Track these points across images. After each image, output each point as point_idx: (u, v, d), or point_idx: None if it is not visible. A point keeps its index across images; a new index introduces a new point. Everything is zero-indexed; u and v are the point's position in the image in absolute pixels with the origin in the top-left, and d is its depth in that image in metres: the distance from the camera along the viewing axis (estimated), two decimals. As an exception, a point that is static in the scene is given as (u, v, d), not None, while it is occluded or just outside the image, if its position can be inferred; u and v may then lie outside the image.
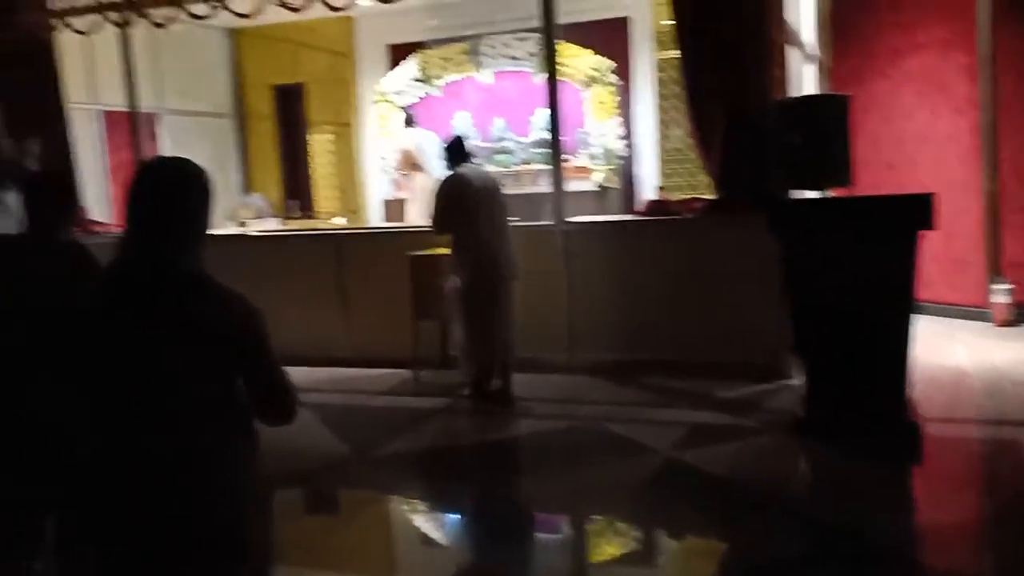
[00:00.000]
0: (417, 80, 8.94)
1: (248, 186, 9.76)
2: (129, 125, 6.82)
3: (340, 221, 8.77)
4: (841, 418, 3.90)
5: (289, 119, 9.82)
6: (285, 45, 9.27)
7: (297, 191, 9.75)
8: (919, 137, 6.66)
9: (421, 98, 8.99)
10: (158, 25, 6.25)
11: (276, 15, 5.95)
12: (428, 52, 8.90)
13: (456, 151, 5.00)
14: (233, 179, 9.65)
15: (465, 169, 4.94)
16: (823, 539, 3.10)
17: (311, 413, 4.92)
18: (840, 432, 3.90)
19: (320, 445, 4.38)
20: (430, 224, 4.95)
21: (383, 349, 5.76)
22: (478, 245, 4.80)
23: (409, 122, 8.53)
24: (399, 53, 9.10)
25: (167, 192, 1.76)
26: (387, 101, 9.02)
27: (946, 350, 5.55)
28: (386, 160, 9.06)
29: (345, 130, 9.56)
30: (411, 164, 8.18)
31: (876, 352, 3.78)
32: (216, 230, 6.94)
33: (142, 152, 6.86)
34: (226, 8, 5.97)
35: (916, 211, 3.70)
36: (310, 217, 9.42)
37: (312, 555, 3.30)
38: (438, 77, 8.92)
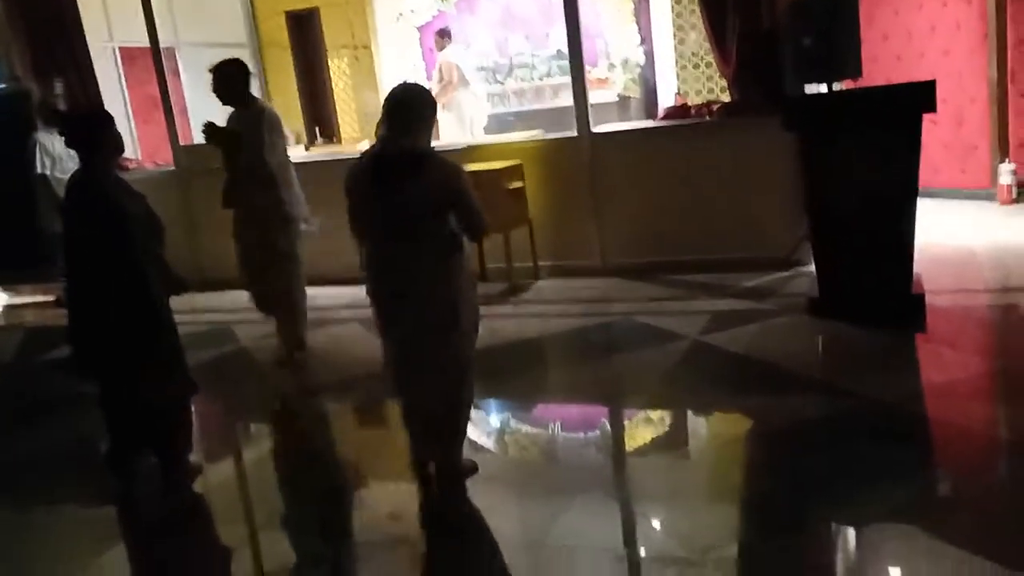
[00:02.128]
0: (431, -3, 9.00)
1: (270, 116, 9.94)
2: (153, 61, 6.90)
3: (365, 146, 8.98)
4: (851, 295, 4.28)
5: (305, 45, 9.91)
6: (296, -31, 9.31)
7: (318, 118, 9.93)
8: (928, 27, 6.77)
9: (435, 16, 9.07)
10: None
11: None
12: (443, -33, 8.93)
13: (241, 81, 4.52)
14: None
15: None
16: (834, 402, 3.51)
17: (361, 327, 5.38)
18: (850, 308, 4.28)
19: (372, 354, 4.83)
20: (253, 158, 4.42)
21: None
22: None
23: (444, 35, 8.37)
24: (415, -30, 9.11)
25: (407, 102, 2.92)
26: (404, 21, 9.11)
27: (954, 230, 5.89)
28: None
29: (364, 53, 9.68)
30: (451, 79, 8.19)
31: (883, 232, 4.12)
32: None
33: (167, 87, 7.03)
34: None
35: (919, 97, 3.95)
36: (333, 143, 9.64)
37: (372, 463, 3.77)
38: (453, -7, 8.97)
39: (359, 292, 5.96)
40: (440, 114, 8.43)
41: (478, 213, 2.92)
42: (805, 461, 3.10)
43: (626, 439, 3.78)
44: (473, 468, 3.20)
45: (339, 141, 9.64)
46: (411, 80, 3.19)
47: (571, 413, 4.09)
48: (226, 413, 4.54)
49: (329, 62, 9.86)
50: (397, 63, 9.28)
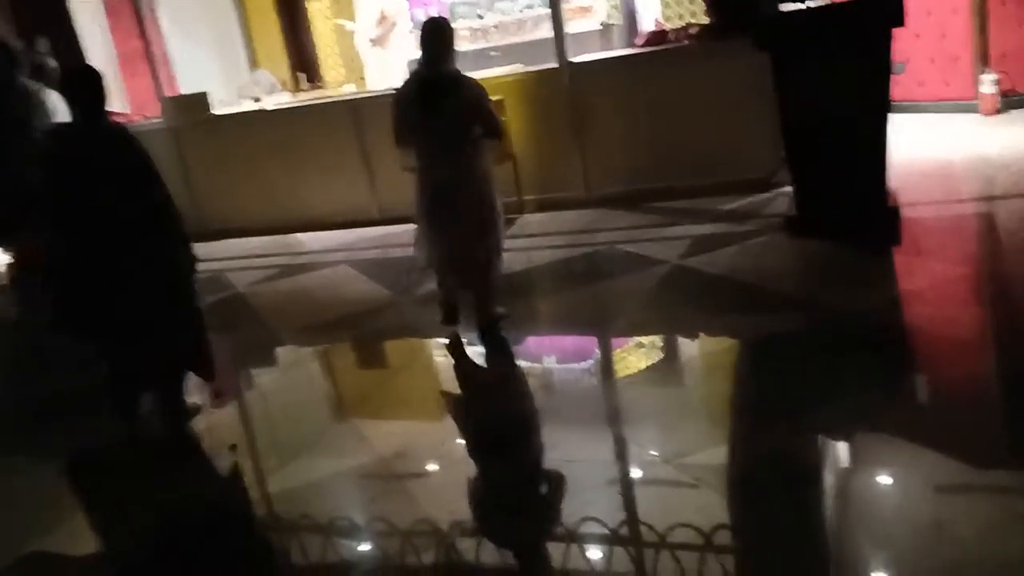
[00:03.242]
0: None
1: (253, 62, 9.87)
2: (134, 13, 6.96)
3: (350, 88, 8.94)
4: (827, 212, 4.34)
5: (285, -11, 9.75)
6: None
7: (302, 63, 9.83)
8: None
9: (413, -48, 8.89)
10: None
11: None
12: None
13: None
14: (239, 56, 9.76)
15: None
16: (808, 314, 3.62)
17: (352, 268, 5.50)
18: (827, 225, 4.35)
19: (366, 291, 4.97)
20: None
21: (408, 206, 6.18)
22: None
23: None
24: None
25: (440, 34, 3.75)
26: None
27: (935, 142, 5.92)
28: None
29: (343, -6, 9.52)
30: (395, 22, 8.06)
31: (856, 148, 4.16)
32: (232, 108, 7.29)
33: (148, 37, 7.03)
34: None
35: (885, 12, 3.94)
36: (319, 87, 9.57)
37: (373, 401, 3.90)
38: (429, -73, 8.79)
39: (347, 236, 6.19)
40: (374, 52, 8.31)
41: (497, 119, 3.85)
42: (780, 370, 3.24)
43: (609, 358, 3.93)
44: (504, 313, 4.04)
45: (324, 84, 9.58)
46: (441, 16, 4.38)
47: (560, 338, 4.23)
48: (226, 355, 4.69)
49: (309, 6, 9.72)
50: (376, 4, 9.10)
